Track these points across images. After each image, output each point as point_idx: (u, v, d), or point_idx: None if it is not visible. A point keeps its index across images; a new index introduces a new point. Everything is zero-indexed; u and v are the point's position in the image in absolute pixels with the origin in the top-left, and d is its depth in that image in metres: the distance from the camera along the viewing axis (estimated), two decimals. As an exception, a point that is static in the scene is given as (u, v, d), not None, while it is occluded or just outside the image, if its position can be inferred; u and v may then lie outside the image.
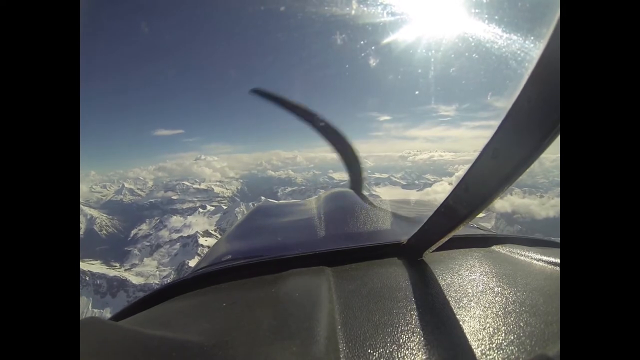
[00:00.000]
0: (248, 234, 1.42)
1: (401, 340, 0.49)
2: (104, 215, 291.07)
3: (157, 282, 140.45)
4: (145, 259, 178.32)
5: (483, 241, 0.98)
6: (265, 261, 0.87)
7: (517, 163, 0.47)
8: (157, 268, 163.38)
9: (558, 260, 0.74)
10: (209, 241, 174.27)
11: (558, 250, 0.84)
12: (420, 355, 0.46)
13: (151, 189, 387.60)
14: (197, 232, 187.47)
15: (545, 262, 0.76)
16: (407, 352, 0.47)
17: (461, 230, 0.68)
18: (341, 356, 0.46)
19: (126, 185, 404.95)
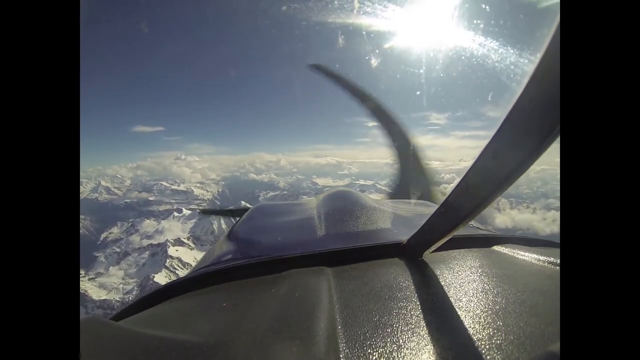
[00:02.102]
0: (248, 234, 1.41)
1: (401, 340, 0.49)
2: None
3: (118, 298, 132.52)
4: (111, 267, 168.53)
5: (483, 241, 0.98)
6: (265, 261, 0.87)
7: (517, 163, 0.47)
8: (123, 279, 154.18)
9: (558, 260, 0.75)
10: (180, 251, 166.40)
11: (558, 250, 0.86)
12: (420, 356, 0.46)
13: (128, 188, 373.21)
14: (167, 240, 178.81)
15: (545, 262, 0.76)
16: (407, 352, 0.47)
17: (461, 230, 0.69)
18: (341, 356, 0.46)
19: (103, 183, 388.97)
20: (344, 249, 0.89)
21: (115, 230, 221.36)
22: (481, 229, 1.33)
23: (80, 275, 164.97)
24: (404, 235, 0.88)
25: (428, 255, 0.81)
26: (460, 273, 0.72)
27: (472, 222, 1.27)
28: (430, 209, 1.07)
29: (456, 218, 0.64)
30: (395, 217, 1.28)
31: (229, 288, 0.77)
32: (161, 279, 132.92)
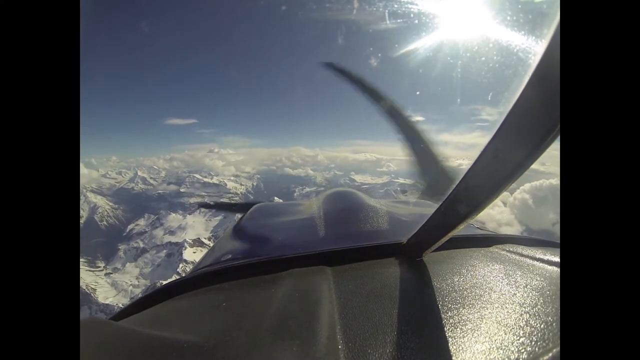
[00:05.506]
0: (248, 234, 1.42)
1: (401, 340, 0.50)
2: (110, 204, 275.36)
3: (121, 304, 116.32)
4: (128, 264, 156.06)
5: (483, 241, 0.98)
6: (265, 261, 0.88)
7: (517, 163, 0.47)
8: (136, 279, 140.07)
9: (558, 260, 0.75)
10: (198, 253, 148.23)
11: (558, 250, 0.85)
12: (420, 356, 0.46)
13: (163, 179, 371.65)
14: (185, 240, 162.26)
15: (545, 262, 0.76)
16: (407, 352, 0.47)
17: (461, 230, 0.69)
18: (341, 356, 0.46)
19: (139, 173, 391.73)
20: (344, 248, 0.89)
21: (142, 223, 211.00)
22: (481, 229, 1.32)
23: (99, 269, 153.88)
24: (404, 235, 0.88)
25: (428, 255, 0.81)
26: (460, 273, 0.72)
27: (472, 222, 1.28)
28: (430, 209, 1.02)
29: (456, 218, 0.64)
30: (395, 217, 1.28)
31: (229, 288, 0.77)
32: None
